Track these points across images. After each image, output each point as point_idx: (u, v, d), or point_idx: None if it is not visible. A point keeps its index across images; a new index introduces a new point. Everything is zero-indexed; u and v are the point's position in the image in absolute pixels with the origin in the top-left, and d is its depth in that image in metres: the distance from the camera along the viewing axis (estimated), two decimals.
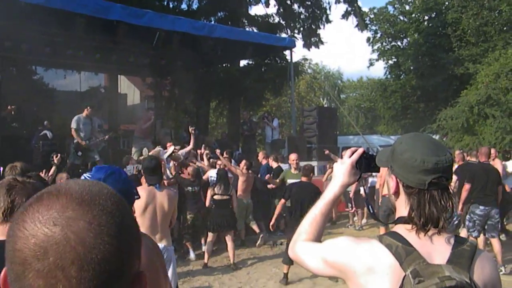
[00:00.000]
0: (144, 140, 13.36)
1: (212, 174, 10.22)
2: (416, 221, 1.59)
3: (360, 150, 1.92)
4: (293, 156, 10.32)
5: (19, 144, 11.83)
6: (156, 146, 12.46)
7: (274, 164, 11.79)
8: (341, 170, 1.91)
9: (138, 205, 4.85)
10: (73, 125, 11.35)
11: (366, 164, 1.90)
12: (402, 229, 1.63)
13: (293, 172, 10.01)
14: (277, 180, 10.69)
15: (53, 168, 7.98)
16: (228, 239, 9.08)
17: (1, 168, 6.07)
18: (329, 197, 1.91)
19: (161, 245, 4.96)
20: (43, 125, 12.96)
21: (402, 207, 1.67)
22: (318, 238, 1.87)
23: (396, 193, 1.70)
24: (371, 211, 1.99)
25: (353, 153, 1.92)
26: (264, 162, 12.03)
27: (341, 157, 8.53)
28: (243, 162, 10.71)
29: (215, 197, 9.19)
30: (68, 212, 0.81)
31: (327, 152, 13.18)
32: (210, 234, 9.12)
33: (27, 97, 18.59)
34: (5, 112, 12.32)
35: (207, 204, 9.46)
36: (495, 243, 8.85)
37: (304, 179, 8.32)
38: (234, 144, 16.26)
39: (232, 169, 10.53)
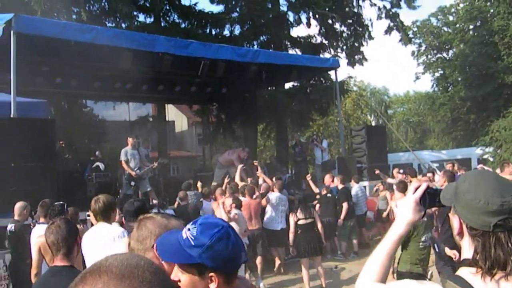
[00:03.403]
0: (228, 168, 13.68)
1: (272, 197, 10.32)
2: (481, 265, 1.50)
3: (424, 186, 1.87)
4: None
5: (73, 177, 12.10)
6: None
7: (340, 186, 11.77)
8: (405, 208, 1.86)
9: None
10: (122, 157, 11.66)
11: (430, 200, 1.85)
12: (467, 273, 1.54)
13: None
14: None
15: None
16: (318, 264, 8.93)
17: (61, 203, 6.19)
18: (394, 236, 1.87)
19: None
20: (95, 155, 13.23)
21: (467, 249, 1.59)
22: (384, 278, 1.83)
23: (460, 234, 1.62)
24: (437, 250, 1.89)
25: (416, 190, 1.87)
26: (332, 185, 11.93)
27: (392, 175, 8.51)
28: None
29: (300, 222, 8.93)
30: None
31: (377, 171, 13.23)
32: (302, 261, 8.91)
33: (79, 129, 19.18)
34: (58, 145, 12.65)
35: (291, 230, 9.04)
36: None
37: None
38: (283, 167, 16.19)
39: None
